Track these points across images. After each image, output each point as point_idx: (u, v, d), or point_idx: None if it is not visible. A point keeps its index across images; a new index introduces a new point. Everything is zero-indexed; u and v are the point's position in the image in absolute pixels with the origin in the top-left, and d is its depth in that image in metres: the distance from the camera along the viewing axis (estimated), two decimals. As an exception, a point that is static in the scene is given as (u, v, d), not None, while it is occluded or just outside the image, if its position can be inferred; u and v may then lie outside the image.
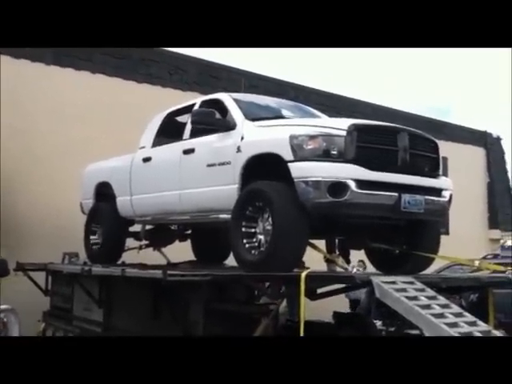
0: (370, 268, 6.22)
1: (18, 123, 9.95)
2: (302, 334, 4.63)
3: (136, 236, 8.10)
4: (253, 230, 5.39)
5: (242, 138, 5.72)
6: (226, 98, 6.45)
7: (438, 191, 5.59)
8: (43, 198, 9.98)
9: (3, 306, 4.14)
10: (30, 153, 10.06)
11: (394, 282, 4.58)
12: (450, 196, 5.72)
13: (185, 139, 6.67)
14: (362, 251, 6.23)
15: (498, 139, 19.15)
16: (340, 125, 5.20)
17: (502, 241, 15.14)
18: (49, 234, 9.66)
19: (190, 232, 8.25)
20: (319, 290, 5.31)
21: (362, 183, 4.98)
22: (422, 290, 4.62)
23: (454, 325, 4.14)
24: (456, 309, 4.50)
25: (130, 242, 8.19)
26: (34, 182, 9.98)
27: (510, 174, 18.99)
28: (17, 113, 10.00)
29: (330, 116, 7.21)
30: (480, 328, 4.29)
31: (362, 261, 7.27)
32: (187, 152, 6.44)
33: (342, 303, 9.16)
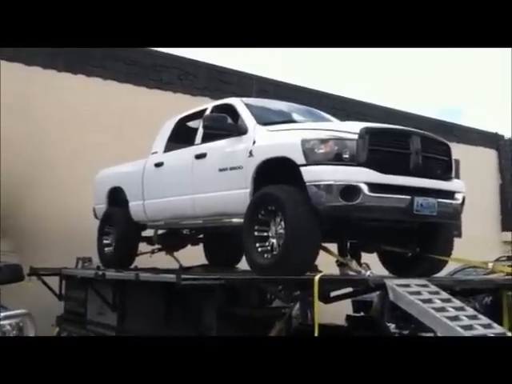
0: (378, 271, 6.20)
1: (30, 130, 10.05)
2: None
3: (148, 240, 8.14)
4: (265, 234, 5.40)
5: (254, 143, 5.74)
6: (238, 102, 6.49)
7: (450, 194, 5.58)
8: (56, 203, 10.05)
9: (19, 311, 4.16)
10: (43, 159, 10.14)
11: (407, 285, 4.57)
12: (463, 198, 5.71)
13: (196, 144, 6.71)
14: (366, 254, 6.22)
15: (510, 141, 19.03)
16: (352, 128, 5.21)
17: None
18: (62, 239, 9.72)
19: (202, 236, 8.29)
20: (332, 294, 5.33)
21: (374, 186, 4.98)
22: (436, 293, 4.61)
23: (468, 327, 4.14)
24: (471, 311, 4.49)
25: (143, 247, 8.24)
26: (47, 187, 10.05)
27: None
28: (29, 119, 10.09)
29: (341, 119, 7.22)
30: (495, 330, 4.28)
31: (365, 263, 7.25)
32: (199, 157, 6.48)
33: (349, 306, 9.15)
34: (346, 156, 5.04)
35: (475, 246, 11.59)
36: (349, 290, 5.51)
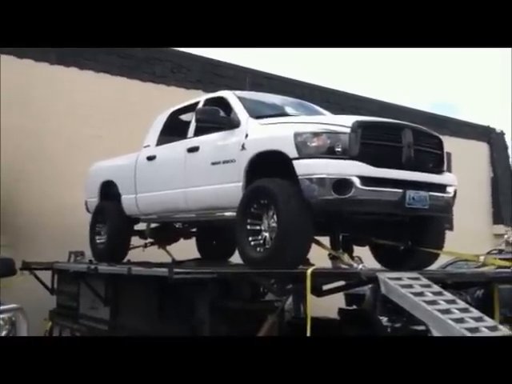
0: (369, 264, 6.22)
1: (24, 123, 9.97)
2: (308, 331, 4.65)
3: (141, 234, 8.13)
4: (258, 228, 5.41)
5: (247, 136, 5.73)
6: (230, 95, 6.47)
7: (442, 187, 5.60)
8: (49, 197, 10.00)
9: (11, 305, 4.15)
10: (36, 152, 10.08)
11: (399, 278, 4.59)
12: (455, 192, 5.73)
13: (189, 137, 6.69)
14: (358, 248, 6.24)
15: (502, 134, 19.09)
16: (344, 122, 5.21)
17: (506, 236, 15.09)
18: (54, 233, 9.69)
19: (194, 230, 8.28)
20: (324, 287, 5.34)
21: (366, 180, 4.99)
22: (428, 286, 4.63)
23: (460, 320, 4.15)
24: (462, 304, 4.51)
25: (135, 241, 8.22)
26: (40, 181, 10.00)
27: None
28: (23, 112, 10.02)
29: (335, 113, 7.22)
30: (486, 323, 4.30)
31: (358, 257, 7.27)
32: (191, 150, 6.46)
33: (342, 299, 9.18)
34: (339, 149, 5.04)
35: (467, 239, 11.64)
36: (341, 283, 5.52)
